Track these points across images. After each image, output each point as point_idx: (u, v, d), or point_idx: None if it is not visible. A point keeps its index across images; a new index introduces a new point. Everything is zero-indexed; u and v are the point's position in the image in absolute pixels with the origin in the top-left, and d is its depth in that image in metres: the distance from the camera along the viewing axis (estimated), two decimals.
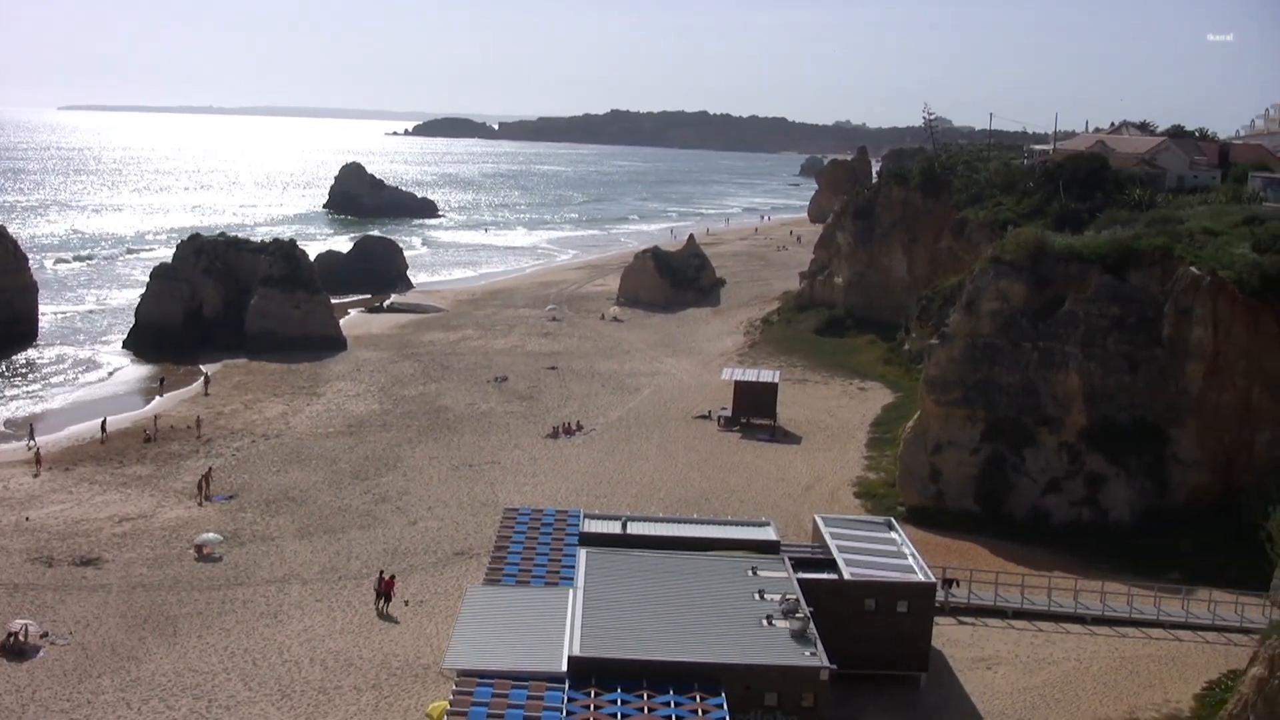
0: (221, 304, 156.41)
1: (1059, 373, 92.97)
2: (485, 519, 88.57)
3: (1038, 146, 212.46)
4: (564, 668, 51.97)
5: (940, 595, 72.68)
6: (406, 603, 74.77)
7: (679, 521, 76.99)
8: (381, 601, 74.20)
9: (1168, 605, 77.76)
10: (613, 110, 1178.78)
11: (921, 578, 67.31)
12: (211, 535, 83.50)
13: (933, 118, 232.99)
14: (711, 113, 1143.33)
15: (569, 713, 48.55)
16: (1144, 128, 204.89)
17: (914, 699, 64.73)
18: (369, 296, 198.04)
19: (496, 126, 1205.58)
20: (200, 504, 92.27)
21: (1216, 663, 69.83)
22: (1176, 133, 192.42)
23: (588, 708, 49.16)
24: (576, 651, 53.23)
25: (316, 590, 76.28)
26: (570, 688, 50.42)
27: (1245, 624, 74.55)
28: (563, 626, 56.20)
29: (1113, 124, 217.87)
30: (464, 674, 51.32)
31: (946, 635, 72.10)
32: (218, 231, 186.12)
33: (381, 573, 76.77)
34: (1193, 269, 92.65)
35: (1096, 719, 63.31)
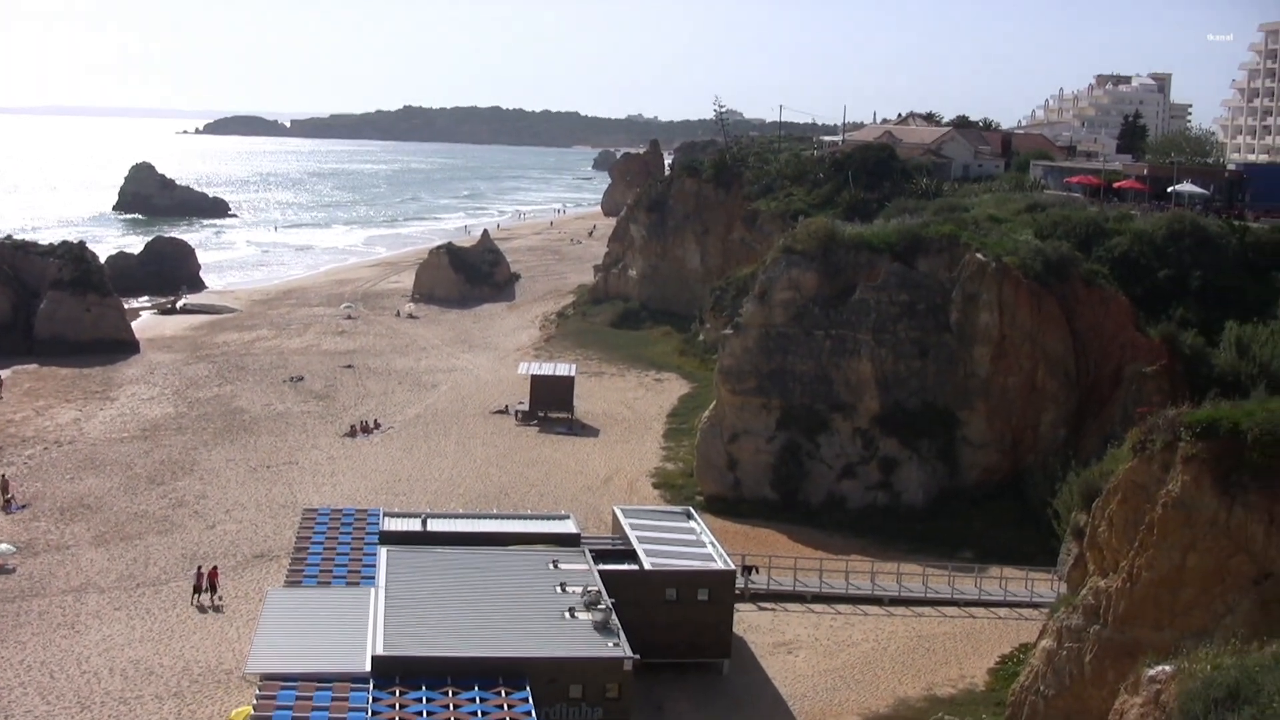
0: (9, 308, 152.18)
1: (851, 360, 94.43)
2: (284, 520, 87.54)
3: (827, 138, 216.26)
4: (368, 667, 51.56)
5: (740, 582, 73.40)
6: (220, 598, 74.23)
7: (479, 517, 77.08)
8: (204, 595, 73.92)
9: (961, 584, 79.50)
10: (405, 106, 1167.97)
11: (721, 566, 67.97)
12: (3, 546, 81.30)
13: (724, 110, 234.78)
14: (505, 108, 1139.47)
15: (374, 713, 48.20)
16: (930, 118, 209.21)
17: (717, 686, 65.31)
18: (163, 299, 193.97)
19: (288, 124, 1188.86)
20: (7, 512, 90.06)
21: (1009, 637, 71.59)
22: (961, 123, 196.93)
23: (393, 706, 48.88)
24: (380, 651, 52.85)
25: (115, 599, 74.77)
26: (375, 687, 50.04)
27: (1035, 599, 76.47)
28: (365, 626, 55.77)
29: (900, 115, 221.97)
30: (267, 678, 50.69)
31: (748, 621, 72.88)
32: (3, 235, 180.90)
33: (200, 567, 76.09)
34: (979, 255, 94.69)
35: (896, 697, 64.48)
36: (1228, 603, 45.41)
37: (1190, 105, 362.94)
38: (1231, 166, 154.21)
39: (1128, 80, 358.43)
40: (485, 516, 77.38)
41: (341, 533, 69.15)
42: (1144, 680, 38.66)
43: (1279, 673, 33.78)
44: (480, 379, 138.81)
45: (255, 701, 49.30)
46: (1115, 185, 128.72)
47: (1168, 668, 37.96)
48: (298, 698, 48.83)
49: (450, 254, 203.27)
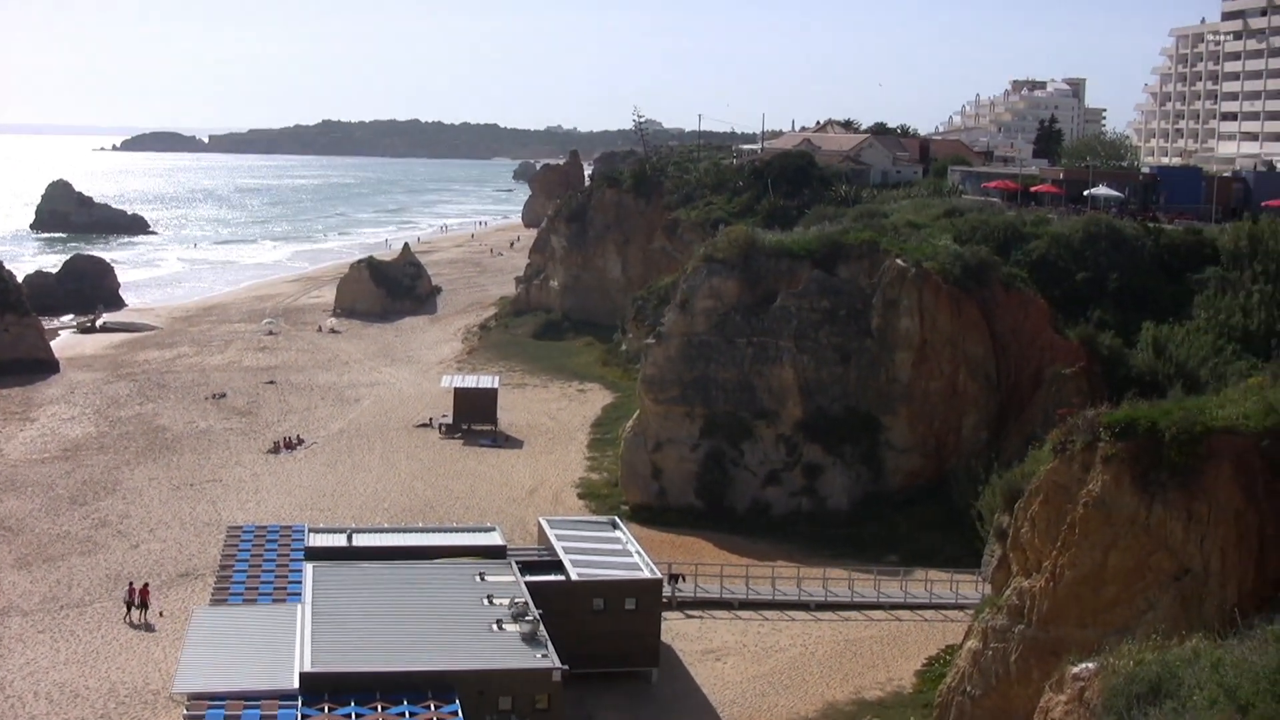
0: None
1: (774, 367, 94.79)
2: (209, 538, 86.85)
3: (746, 146, 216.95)
4: (296, 684, 51.20)
5: (667, 591, 73.58)
6: (161, 614, 73.84)
7: (405, 531, 76.90)
8: (137, 612, 73.46)
9: (887, 587, 79.88)
10: (324, 120, 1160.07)
11: (648, 574, 68.04)
12: None
13: (643, 120, 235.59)
14: (423, 121, 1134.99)
15: None
16: (848, 125, 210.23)
17: (646, 694, 65.37)
18: (82, 318, 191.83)
19: (206, 139, 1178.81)
20: None
21: (935, 639, 71.95)
22: (879, 130, 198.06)
23: None
24: (308, 667, 52.49)
25: (38, 621, 73.90)
26: (303, 704, 49.68)
27: (960, 601, 76.94)
28: (293, 643, 55.37)
29: (818, 122, 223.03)
30: (194, 697, 50.24)
31: (675, 629, 72.90)
32: None
33: (132, 584, 75.64)
34: (899, 261, 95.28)
35: (824, 701, 64.74)
36: (1149, 599, 45.95)
37: (1104, 110, 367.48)
38: (1145, 170, 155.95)
39: (1043, 85, 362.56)
40: (411, 530, 77.19)
41: (267, 550, 68.68)
42: (1068, 678, 39.08)
43: (1199, 666, 34.22)
44: (403, 393, 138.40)
45: None
46: (1032, 189, 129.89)
47: (1091, 665, 38.38)
48: (226, 716, 48.45)
49: (371, 268, 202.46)
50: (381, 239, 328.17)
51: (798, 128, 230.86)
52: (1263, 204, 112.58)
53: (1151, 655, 36.64)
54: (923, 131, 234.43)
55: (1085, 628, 46.60)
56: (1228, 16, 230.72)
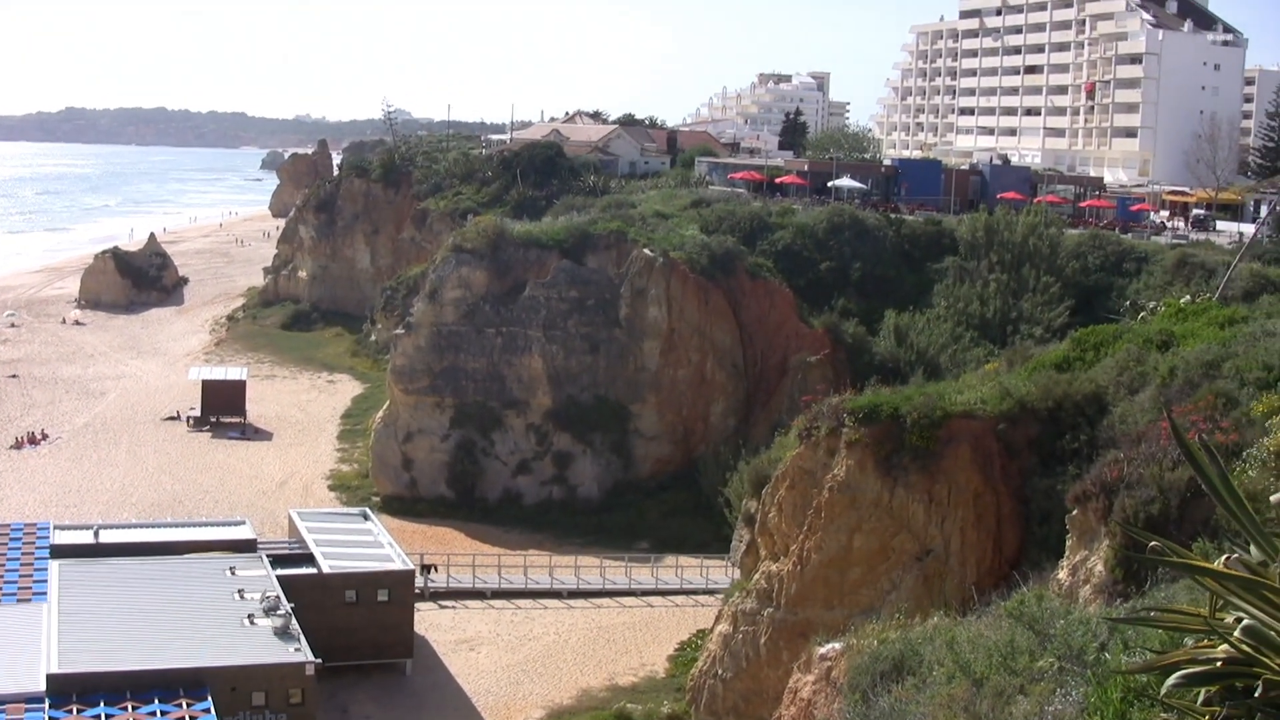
0: None
1: (523, 356, 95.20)
2: None
3: (495, 136, 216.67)
4: (43, 687, 50.07)
5: (419, 582, 73.52)
6: None
7: (153, 526, 75.51)
8: None
9: (638, 574, 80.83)
10: (67, 107, 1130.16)
11: (400, 566, 68.03)
12: None
13: (392, 110, 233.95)
14: (170, 108, 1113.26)
15: None
16: (596, 116, 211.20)
17: (400, 685, 65.35)
18: None
19: None
20: None
21: (686, 624, 73.00)
22: (627, 121, 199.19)
23: None
24: (55, 669, 51.28)
25: None
26: (51, 706, 48.64)
27: (710, 585, 78.03)
28: (39, 644, 54.13)
29: (567, 113, 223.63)
30: None
31: (429, 620, 72.95)
32: None
33: None
34: (646, 251, 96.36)
35: (579, 688, 65.29)
36: (893, 580, 47.15)
37: (848, 103, 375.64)
38: (887, 162, 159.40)
39: (788, 79, 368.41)
40: (159, 525, 75.86)
41: (10, 548, 66.80)
42: (815, 658, 39.89)
43: (938, 643, 35.27)
44: (150, 385, 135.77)
45: None
46: (777, 180, 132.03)
47: (837, 645, 39.20)
48: None
49: (116, 258, 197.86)
50: (127, 229, 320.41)
51: (547, 118, 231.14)
52: (998, 196, 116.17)
53: (895, 634, 37.46)
54: (670, 123, 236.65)
55: (832, 609, 47.62)
56: (965, 15, 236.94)
